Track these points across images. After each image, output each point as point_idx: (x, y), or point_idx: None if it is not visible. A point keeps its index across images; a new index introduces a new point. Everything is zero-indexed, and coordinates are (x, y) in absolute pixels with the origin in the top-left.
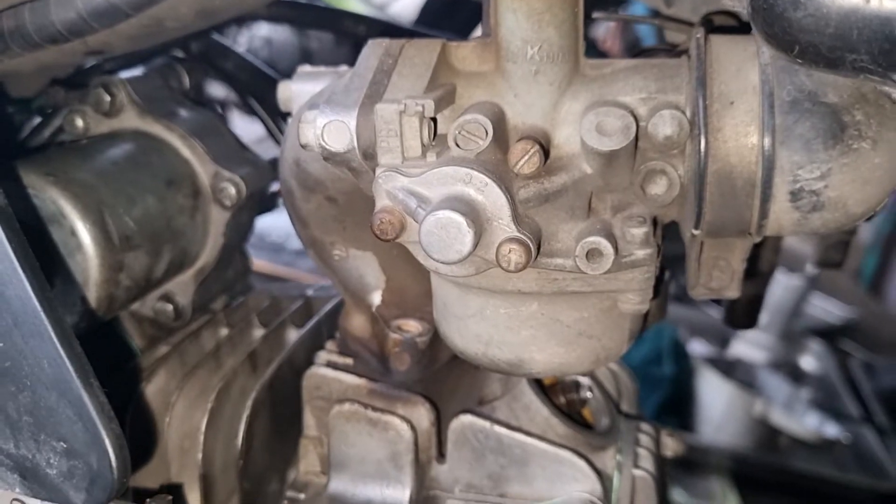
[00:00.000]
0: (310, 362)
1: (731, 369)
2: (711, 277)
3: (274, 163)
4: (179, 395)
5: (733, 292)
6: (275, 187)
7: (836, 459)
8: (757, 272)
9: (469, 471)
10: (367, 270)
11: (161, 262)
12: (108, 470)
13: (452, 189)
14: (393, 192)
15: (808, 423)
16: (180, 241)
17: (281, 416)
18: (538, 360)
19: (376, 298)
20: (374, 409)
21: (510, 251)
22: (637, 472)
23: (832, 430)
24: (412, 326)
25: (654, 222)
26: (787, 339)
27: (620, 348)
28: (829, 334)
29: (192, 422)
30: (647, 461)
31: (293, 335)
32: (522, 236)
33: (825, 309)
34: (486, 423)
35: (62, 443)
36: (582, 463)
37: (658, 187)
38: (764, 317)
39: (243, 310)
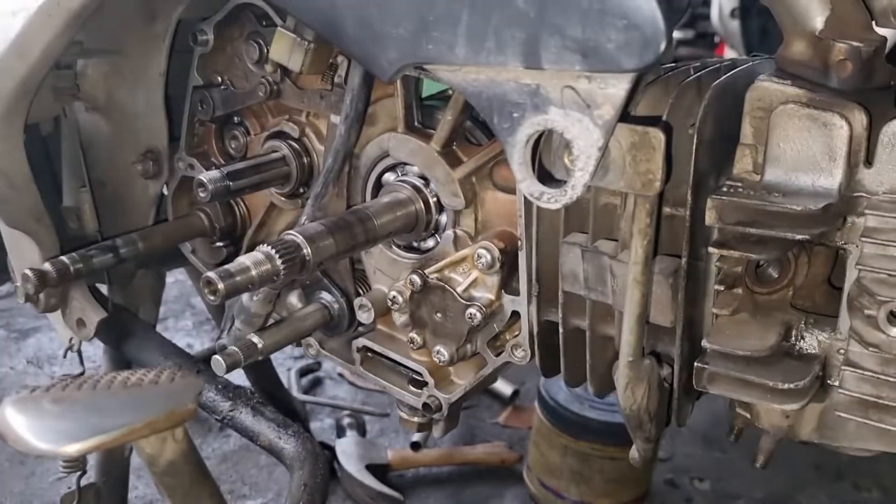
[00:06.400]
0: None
1: None
2: None
3: None
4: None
5: None
6: None
7: None
8: None
9: (895, 173)
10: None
11: None
12: (659, 36)
13: None
14: None
15: None
16: None
17: (720, 128)
18: None
19: (819, 24)
20: (815, 107)
21: None
22: None
23: None
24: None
25: None
26: None
27: None
28: None
29: None
30: None
31: None
32: None
33: None
34: None
35: (623, 20)
36: None
37: None
38: None
39: None
